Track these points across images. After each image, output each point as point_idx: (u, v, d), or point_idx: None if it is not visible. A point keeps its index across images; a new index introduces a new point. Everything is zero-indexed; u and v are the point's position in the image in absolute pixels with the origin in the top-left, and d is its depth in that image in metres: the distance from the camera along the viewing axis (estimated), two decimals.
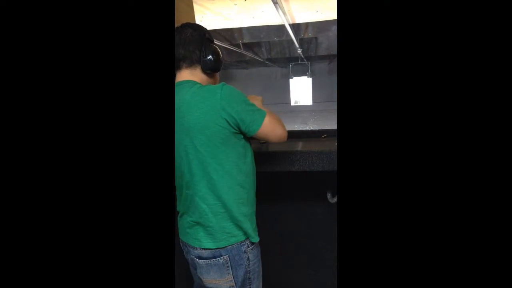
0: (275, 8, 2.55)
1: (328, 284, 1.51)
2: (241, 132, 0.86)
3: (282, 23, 3.35)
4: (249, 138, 0.91)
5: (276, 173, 1.25)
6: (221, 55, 0.94)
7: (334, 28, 4.32)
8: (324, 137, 1.55)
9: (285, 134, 0.92)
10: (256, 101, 0.99)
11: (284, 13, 2.83)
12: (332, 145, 1.30)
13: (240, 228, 0.90)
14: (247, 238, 0.92)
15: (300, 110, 10.12)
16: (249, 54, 5.70)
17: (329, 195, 1.42)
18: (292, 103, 8.51)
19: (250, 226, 0.91)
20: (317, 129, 1.62)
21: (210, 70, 0.92)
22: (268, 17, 3.40)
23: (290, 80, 8.59)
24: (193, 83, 0.89)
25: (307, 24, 4.26)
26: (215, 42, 0.98)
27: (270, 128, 0.88)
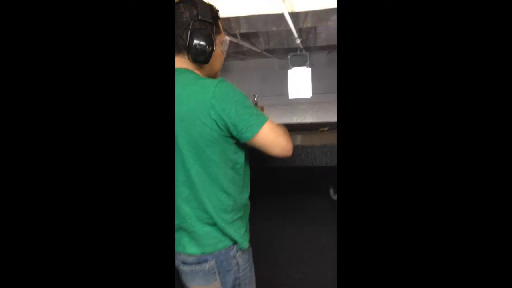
0: None
1: (328, 281, 1.46)
2: (233, 137, 0.77)
3: (281, 12, 3.24)
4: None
5: (276, 168, 1.19)
6: (214, 42, 0.79)
7: (334, 17, 4.21)
8: (324, 130, 1.48)
9: (290, 147, 0.79)
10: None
11: (283, 0, 2.71)
12: (335, 139, 1.24)
13: (226, 234, 0.82)
14: (236, 243, 0.85)
15: (298, 102, 10.03)
16: (246, 45, 5.59)
17: (331, 191, 1.37)
18: (291, 96, 8.39)
19: (236, 233, 0.84)
20: (317, 121, 1.54)
21: (194, 60, 0.79)
22: (266, 4, 3.29)
23: (289, 71, 8.44)
24: (188, 72, 0.79)
25: (306, 13, 4.14)
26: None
27: (270, 138, 0.75)
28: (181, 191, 0.80)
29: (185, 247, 0.84)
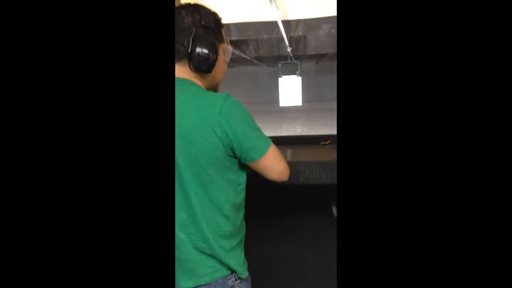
0: (268, 2, 2.39)
1: None
2: (236, 157, 0.74)
3: (273, 20, 3.21)
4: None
5: (274, 185, 1.11)
6: (218, 50, 0.75)
7: (325, 26, 4.24)
8: (325, 143, 1.42)
9: (288, 172, 0.81)
10: None
11: (277, 7, 2.67)
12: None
13: (223, 263, 0.78)
14: (234, 271, 0.79)
15: (288, 110, 10.06)
16: (236, 52, 5.57)
17: (334, 209, 1.30)
18: (282, 104, 8.41)
19: (235, 261, 0.79)
20: (319, 134, 1.49)
21: (196, 69, 0.74)
22: (258, 12, 3.24)
23: (279, 79, 8.51)
24: (190, 84, 0.74)
25: (297, 22, 4.14)
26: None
27: (273, 162, 0.76)
28: (178, 216, 0.72)
29: (179, 280, 0.76)
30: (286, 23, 4.11)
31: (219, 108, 0.69)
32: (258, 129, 0.75)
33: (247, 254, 0.89)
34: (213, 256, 0.76)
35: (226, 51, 0.82)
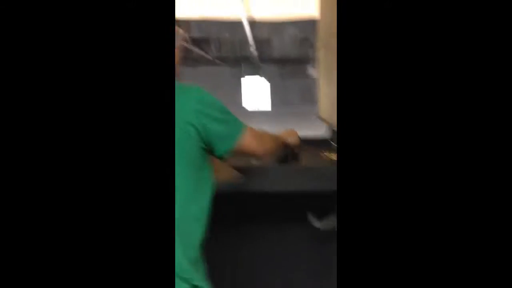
0: None
1: None
2: (210, 151, 0.73)
3: (238, 18, 3.00)
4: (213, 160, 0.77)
5: (246, 193, 1.07)
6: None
7: (291, 29, 4.19)
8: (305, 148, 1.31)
9: (268, 151, 0.82)
10: (292, 137, 0.93)
11: (243, 3, 2.45)
12: (327, 159, 1.17)
13: (185, 280, 0.69)
14: None
15: (253, 114, 10.03)
16: (195, 50, 5.33)
17: (311, 218, 1.18)
18: (250, 109, 8.29)
19: (198, 277, 0.71)
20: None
21: None
22: (222, 8, 2.99)
23: (242, 79, 8.39)
24: None
25: (263, 23, 4.02)
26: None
27: (252, 145, 0.76)
28: None
29: None
30: (252, 23, 3.94)
31: (194, 97, 0.69)
32: (229, 113, 0.74)
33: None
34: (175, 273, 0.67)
35: (176, 34, 0.77)
